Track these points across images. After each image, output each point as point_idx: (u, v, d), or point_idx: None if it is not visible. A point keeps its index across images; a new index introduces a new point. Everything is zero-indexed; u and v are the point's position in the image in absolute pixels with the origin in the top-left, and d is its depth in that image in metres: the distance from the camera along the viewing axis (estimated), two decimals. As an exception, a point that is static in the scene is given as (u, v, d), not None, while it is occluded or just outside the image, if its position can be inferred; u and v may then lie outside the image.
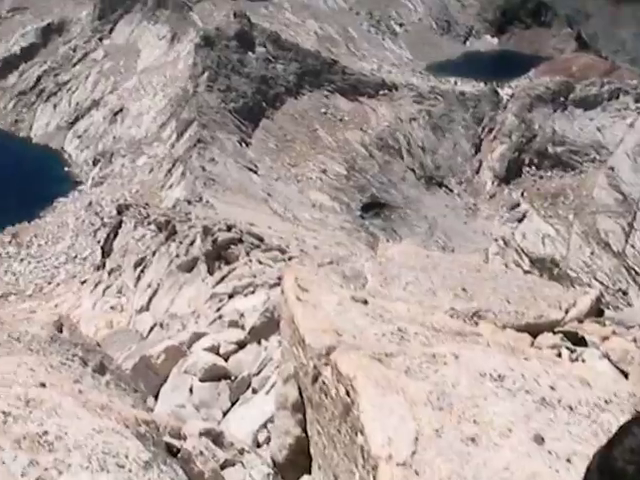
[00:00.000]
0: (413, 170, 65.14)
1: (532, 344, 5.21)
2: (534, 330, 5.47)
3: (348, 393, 3.27)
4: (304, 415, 4.30)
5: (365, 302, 4.39)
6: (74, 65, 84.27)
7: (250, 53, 64.68)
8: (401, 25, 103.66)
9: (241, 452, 5.07)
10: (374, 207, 59.17)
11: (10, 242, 60.40)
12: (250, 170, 57.58)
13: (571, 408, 3.30)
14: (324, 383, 3.60)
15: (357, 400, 3.18)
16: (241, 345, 9.08)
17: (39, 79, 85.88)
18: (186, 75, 66.49)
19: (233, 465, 4.88)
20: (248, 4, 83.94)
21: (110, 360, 6.30)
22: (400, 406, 3.11)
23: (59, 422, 3.35)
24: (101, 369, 5.58)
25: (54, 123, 79.40)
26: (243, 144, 59.66)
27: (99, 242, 56.93)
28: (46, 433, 3.33)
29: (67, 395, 3.74)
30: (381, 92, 71.42)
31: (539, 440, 3.04)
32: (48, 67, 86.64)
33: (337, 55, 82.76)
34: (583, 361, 4.99)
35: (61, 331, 5.81)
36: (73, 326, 6.36)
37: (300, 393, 4.20)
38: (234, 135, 59.88)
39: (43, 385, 3.83)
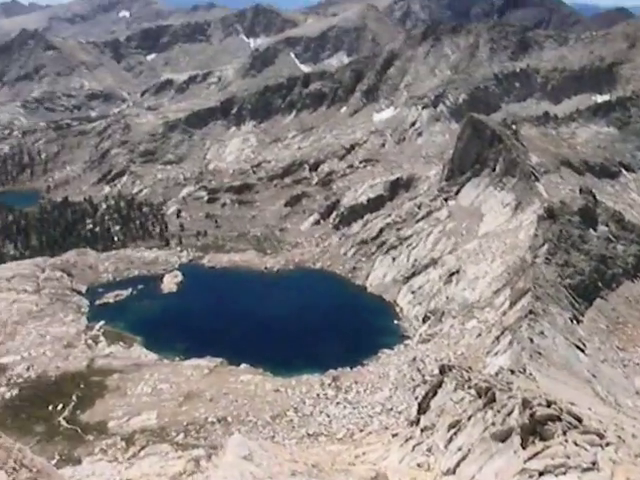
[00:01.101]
0: None
1: None
2: None
3: None
4: None
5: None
6: (417, 221, 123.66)
7: (592, 230, 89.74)
8: None
9: None
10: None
11: (330, 385, 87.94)
12: (578, 348, 79.56)
13: None
14: None
15: None
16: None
17: (381, 231, 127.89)
18: (526, 245, 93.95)
19: None
20: (594, 181, 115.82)
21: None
22: None
23: None
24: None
25: (390, 276, 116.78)
26: (574, 321, 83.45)
27: (417, 398, 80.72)
28: None
29: None
30: None
31: None
32: (392, 220, 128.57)
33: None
34: None
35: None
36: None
37: None
38: (566, 311, 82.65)
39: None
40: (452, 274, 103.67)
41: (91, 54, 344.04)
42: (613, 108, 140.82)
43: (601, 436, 27.70)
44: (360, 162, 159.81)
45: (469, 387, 46.87)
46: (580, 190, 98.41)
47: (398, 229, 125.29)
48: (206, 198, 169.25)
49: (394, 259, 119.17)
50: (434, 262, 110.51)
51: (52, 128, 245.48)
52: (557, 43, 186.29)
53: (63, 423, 78.27)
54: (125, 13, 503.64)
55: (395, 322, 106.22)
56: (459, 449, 37.56)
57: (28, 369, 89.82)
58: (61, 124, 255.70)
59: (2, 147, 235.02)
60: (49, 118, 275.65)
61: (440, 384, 52.26)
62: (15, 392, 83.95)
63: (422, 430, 48.47)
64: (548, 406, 30.97)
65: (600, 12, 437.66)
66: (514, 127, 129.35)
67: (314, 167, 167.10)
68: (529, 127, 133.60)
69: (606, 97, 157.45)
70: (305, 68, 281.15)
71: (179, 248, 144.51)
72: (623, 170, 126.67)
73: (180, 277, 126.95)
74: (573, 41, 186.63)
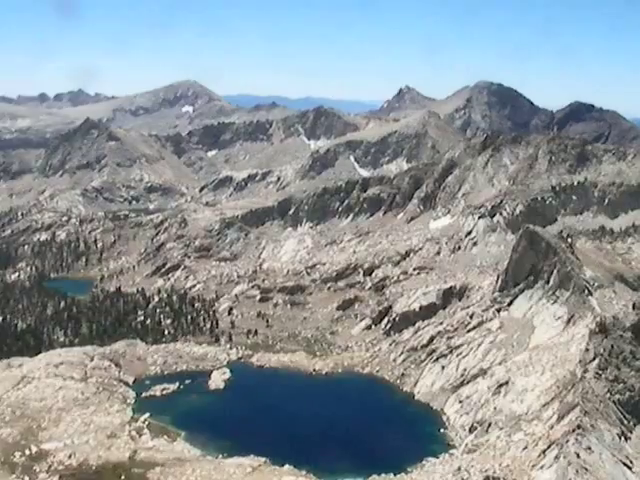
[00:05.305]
0: None
1: None
2: None
3: None
4: None
5: None
6: (468, 331, 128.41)
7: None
8: None
9: None
10: None
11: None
12: (625, 465, 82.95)
13: None
14: None
15: None
16: None
17: (432, 339, 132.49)
18: (576, 359, 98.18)
19: None
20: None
21: None
22: None
23: None
24: None
25: (439, 384, 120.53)
26: (622, 438, 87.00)
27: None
28: None
29: None
30: None
31: None
32: (443, 329, 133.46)
33: None
34: None
35: None
36: None
37: None
38: (614, 427, 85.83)
39: None
40: (501, 385, 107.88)
41: (152, 147, 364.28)
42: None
43: None
44: (414, 269, 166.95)
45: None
46: (633, 306, 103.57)
47: (449, 338, 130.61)
48: (258, 297, 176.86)
49: (443, 368, 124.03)
50: (483, 372, 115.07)
51: (109, 218, 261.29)
52: (615, 157, 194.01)
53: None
54: (188, 108, 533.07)
55: (441, 431, 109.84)
56: None
57: (70, 457, 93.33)
58: (119, 215, 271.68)
59: (59, 234, 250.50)
60: (107, 208, 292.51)
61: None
62: (55, 479, 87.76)
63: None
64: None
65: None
66: (570, 240, 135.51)
67: (368, 272, 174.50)
68: (584, 241, 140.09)
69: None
70: (364, 172, 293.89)
71: (229, 345, 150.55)
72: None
73: (228, 374, 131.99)
74: (632, 156, 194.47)
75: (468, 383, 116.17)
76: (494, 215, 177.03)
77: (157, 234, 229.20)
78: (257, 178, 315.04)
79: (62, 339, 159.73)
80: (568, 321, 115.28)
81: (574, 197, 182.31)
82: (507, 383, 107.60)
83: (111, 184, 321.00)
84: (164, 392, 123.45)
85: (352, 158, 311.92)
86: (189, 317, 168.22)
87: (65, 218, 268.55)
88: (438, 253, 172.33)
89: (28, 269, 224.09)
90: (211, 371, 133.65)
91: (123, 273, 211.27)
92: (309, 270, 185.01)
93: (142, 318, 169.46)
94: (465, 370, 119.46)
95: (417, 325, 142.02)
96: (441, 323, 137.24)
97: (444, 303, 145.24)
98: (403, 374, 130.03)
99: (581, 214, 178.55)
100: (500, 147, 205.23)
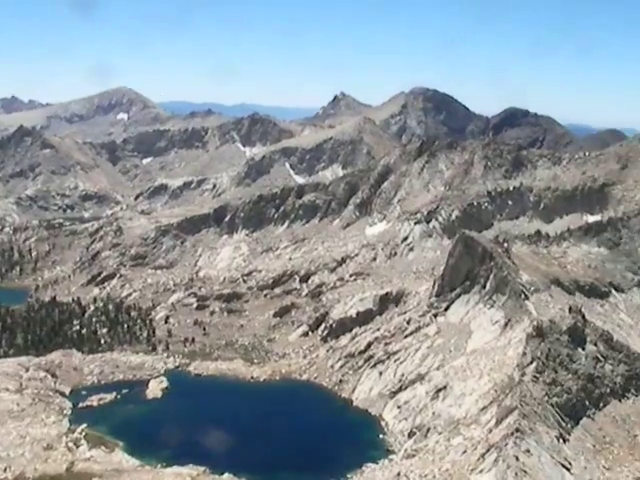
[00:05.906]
0: None
1: None
2: None
3: None
4: None
5: None
6: (406, 337, 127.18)
7: (580, 349, 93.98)
8: None
9: None
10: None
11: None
12: (564, 467, 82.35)
13: None
14: None
15: None
16: None
17: (369, 345, 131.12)
18: (514, 363, 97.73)
19: None
20: (585, 300, 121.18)
21: None
22: None
23: None
24: None
25: (377, 390, 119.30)
26: (560, 440, 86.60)
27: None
28: None
29: None
30: None
31: None
32: (380, 335, 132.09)
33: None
34: None
35: None
36: None
37: None
38: (553, 430, 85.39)
39: None
40: (439, 390, 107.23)
41: (87, 155, 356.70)
42: (604, 228, 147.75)
43: None
44: (351, 275, 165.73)
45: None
46: (569, 309, 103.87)
47: (386, 344, 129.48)
48: (195, 305, 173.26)
49: (381, 373, 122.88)
50: (421, 378, 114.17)
51: (44, 227, 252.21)
52: (550, 162, 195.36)
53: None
54: (123, 116, 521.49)
55: (380, 436, 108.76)
56: None
57: (5, 470, 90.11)
58: (53, 223, 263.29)
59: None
60: (42, 216, 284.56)
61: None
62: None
63: None
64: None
65: (593, 133, 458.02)
66: (506, 245, 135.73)
67: (304, 278, 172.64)
68: (520, 245, 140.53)
69: (597, 217, 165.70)
70: (299, 179, 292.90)
71: (166, 354, 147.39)
72: (613, 290, 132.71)
73: (165, 383, 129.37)
74: (566, 161, 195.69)
75: (406, 388, 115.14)
76: (430, 221, 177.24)
77: (92, 243, 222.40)
78: (192, 185, 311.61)
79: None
80: (505, 325, 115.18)
81: (510, 202, 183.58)
82: (445, 388, 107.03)
83: (45, 192, 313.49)
84: (101, 402, 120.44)
85: (287, 165, 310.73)
86: (125, 326, 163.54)
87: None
88: (374, 259, 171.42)
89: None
90: (148, 380, 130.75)
91: (58, 282, 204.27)
92: (245, 277, 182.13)
93: (78, 328, 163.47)
94: (403, 375, 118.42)
95: (354, 331, 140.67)
96: (378, 329, 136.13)
97: (381, 309, 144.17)
98: (341, 380, 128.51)
99: (517, 219, 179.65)
100: (436, 153, 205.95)
